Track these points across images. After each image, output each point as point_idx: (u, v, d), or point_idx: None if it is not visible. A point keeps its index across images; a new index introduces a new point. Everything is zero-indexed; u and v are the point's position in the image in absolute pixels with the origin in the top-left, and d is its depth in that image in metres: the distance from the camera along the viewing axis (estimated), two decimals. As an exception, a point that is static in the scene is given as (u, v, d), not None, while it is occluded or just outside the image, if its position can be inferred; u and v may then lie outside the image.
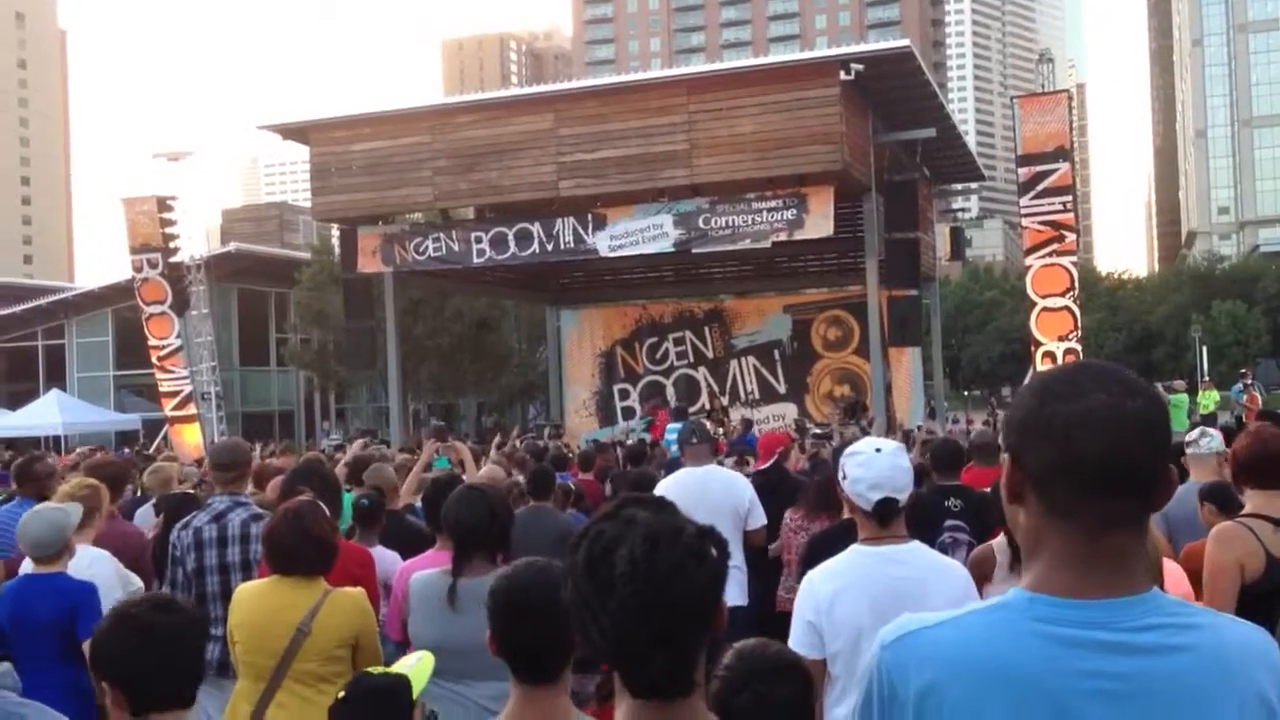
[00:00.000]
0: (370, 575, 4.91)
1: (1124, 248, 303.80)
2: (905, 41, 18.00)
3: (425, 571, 3.98)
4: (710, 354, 24.11)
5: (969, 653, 1.43)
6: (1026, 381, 1.57)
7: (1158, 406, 1.45)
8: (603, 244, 18.52)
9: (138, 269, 22.87)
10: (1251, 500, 4.22)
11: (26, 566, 4.75)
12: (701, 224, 17.99)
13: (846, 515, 4.04)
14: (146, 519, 7.34)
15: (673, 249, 18.71)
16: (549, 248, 18.75)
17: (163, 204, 22.83)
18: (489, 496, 4.15)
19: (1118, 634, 1.41)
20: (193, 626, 2.56)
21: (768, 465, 7.76)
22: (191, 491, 7.65)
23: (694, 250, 19.17)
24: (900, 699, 1.46)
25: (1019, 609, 1.46)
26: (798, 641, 3.30)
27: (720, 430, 17.41)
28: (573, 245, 18.65)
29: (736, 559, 6.19)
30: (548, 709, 2.27)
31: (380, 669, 2.82)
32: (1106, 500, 1.42)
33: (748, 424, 18.47)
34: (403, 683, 2.70)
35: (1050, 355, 17.12)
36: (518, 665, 2.31)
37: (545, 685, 2.30)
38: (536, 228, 18.74)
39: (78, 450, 20.47)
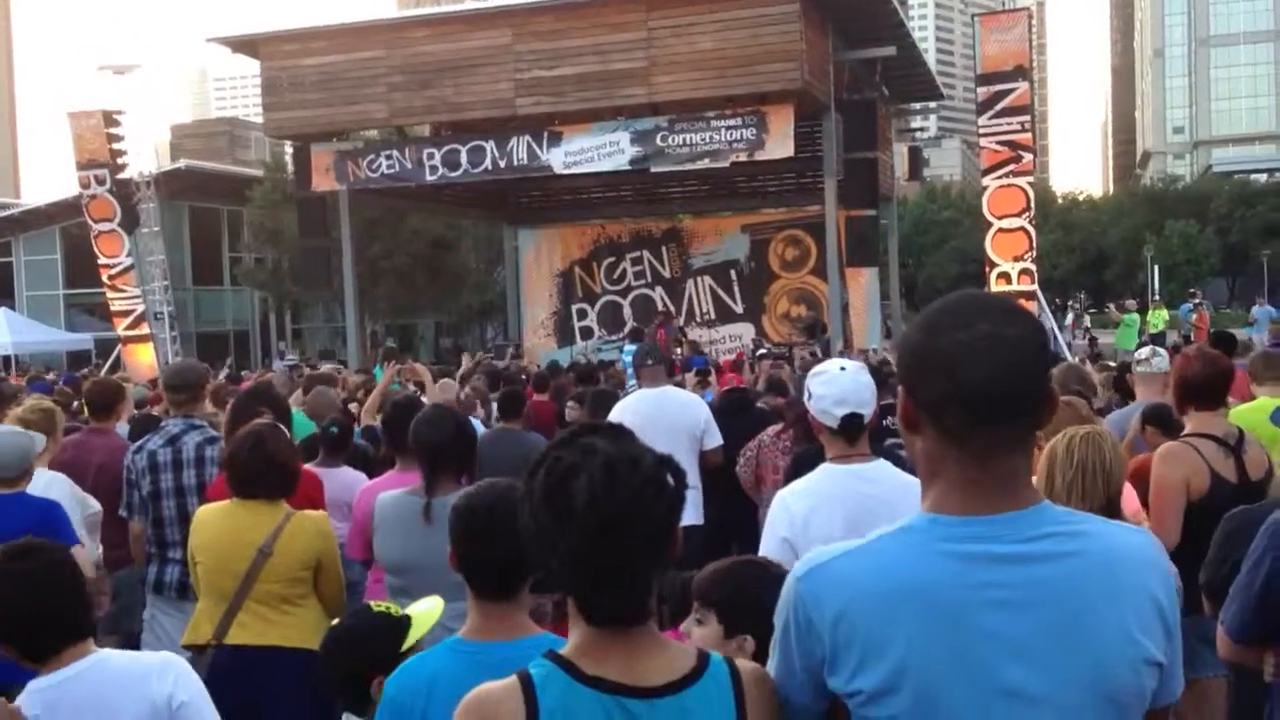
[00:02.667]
0: (320, 497, 4.91)
1: (1079, 167, 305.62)
2: (866, -43, 17.80)
3: (392, 492, 4.00)
4: (667, 274, 24.08)
5: (876, 577, 1.51)
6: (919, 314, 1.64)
7: (1037, 332, 1.53)
8: (557, 161, 18.34)
9: (85, 185, 22.40)
10: (1194, 421, 4.31)
11: None
12: (659, 142, 17.85)
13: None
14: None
15: (629, 166, 18.57)
16: (502, 164, 18.54)
17: (109, 118, 22.31)
18: (455, 415, 4.16)
19: (1011, 545, 1.49)
20: (59, 564, 2.54)
21: (731, 388, 7.79)
22: (155, 413, 7.59)
23: (652, 169, 19.05)
24: (816, 627, 1.53)
25: (920, 531, 1.54)
26: (772, 559, 3.36)
27: (679, 350, 17.50)
28: (526, 162, 18.45)
29: (693, 479, 6.26)
30: (509, 625, 2.31)
31: (384, 606, 2.82)
32: (993, 424, 1.50)
33: (694, 346, 18.58)
34: (391, 624, 2.70)
35: (1005, 276, 17.28)
36: (478, 582, 2.34)
37: (504, 602, 2.33)
38: (490, 145, 18.51)
39: (37, 370, 20.24)
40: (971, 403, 1.48)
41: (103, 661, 2.50)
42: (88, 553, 4.69)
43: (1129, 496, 4.11)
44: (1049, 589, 1.48)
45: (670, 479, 1.62)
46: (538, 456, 1.66)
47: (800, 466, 4.06)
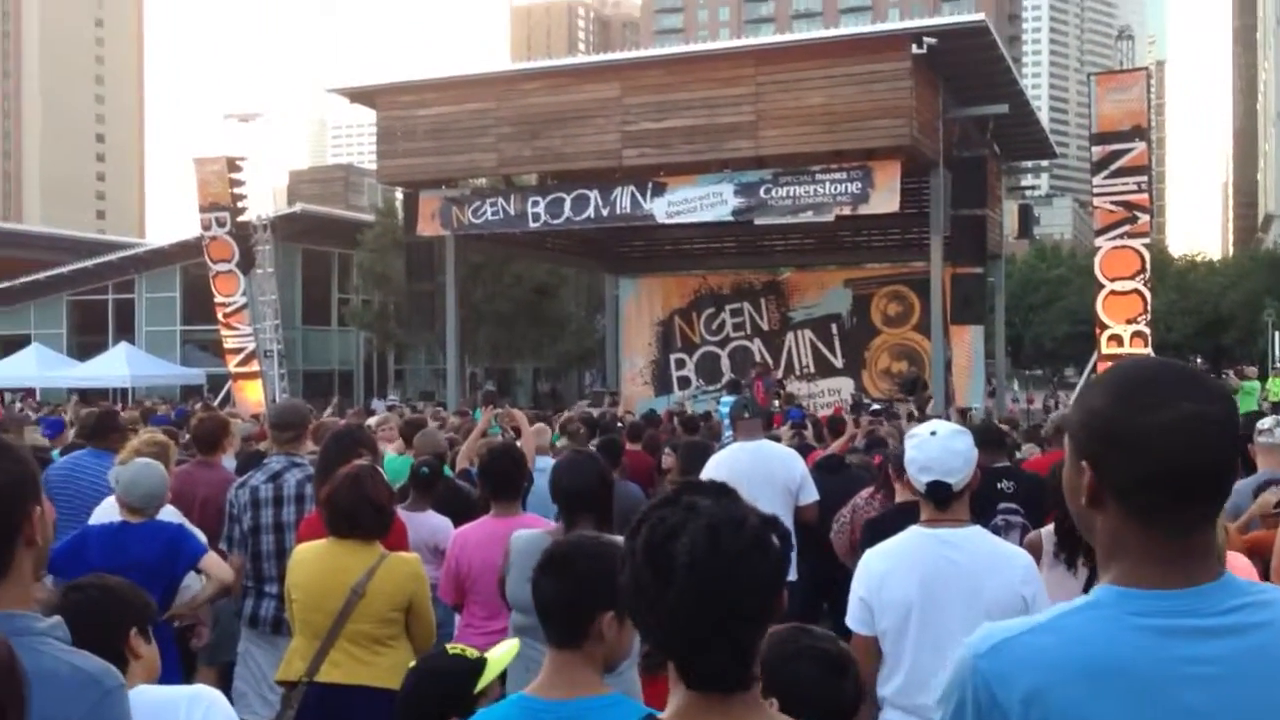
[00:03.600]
0: (404, 542, 4.92)
1: (1198, 229, 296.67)
2: (980, 15, 17.70)
3: (529, 531, 4.03)
4: (766, 326, 23.96)
5: (1070, 654, 1.46)
6: (1096, 381, 1.59)
7: (1234, 410, 1.52)
8: (660, 211, 18.45)
9: (206, 227, 23.28)
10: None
11: None
12: (763, 194, 17.85)
13: (909, 497, 4.01)
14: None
15: (731, 218, 18.59)
16: (605, 213, 18.73)
17: (232, 164, 23.17)
18: (597, 463, 4.17)
19: (1208, 619, 1.47)
20: (101, 601, 2.57)
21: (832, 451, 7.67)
22: (260, 449, 7.74)
23: (755, 221, 19.04)
24: (1002, 706, 1.47)
25: (1110, 605, 1.49)
26: (852, 618, 3.39)
27: (776, 403, 17.37)
28: (629, 211, 18.59)
29: (788, 535, 6.16)
30: (574, 680, 2.28)
31: (459, 648, 2.83)
32: (1191, 504, 1.48)
33: (790, 398, 18.43)
34: (467, 666, 2.71)
35: (1116, 338, 16.81)
36: (542, 624, 2.37)
37: (569, 650, 2.31)
38: (594, 194, 18.72)
39: (150, 402, 20.93)
40: (1173, 485, 1.46)
41: (138, 695, 2.52)
42: (218, 560, 4.81)
43: (1248, 570, 3.94)
44: (1247, 661, 1.46)
45: (775, 540, 1.58)
46: (640, 514, 1.63)
47: (875, 532, 4.00)
